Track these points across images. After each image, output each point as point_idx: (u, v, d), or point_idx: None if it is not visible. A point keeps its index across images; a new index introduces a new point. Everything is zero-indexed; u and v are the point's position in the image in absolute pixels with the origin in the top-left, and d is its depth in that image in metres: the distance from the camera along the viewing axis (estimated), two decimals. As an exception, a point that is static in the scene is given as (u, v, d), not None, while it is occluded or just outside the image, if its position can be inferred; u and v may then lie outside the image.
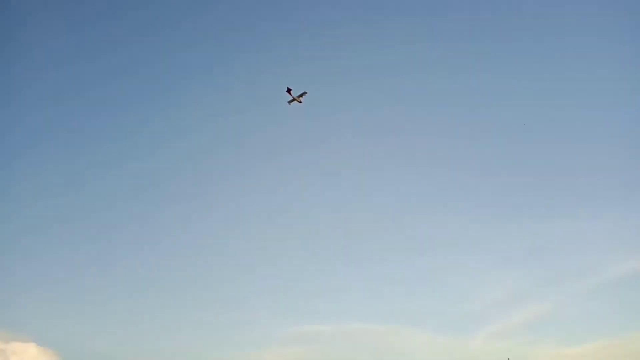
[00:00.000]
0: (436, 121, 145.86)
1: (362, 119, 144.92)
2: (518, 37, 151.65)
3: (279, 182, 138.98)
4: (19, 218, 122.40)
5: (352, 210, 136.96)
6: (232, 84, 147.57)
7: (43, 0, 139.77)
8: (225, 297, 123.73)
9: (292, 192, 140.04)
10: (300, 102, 65.46)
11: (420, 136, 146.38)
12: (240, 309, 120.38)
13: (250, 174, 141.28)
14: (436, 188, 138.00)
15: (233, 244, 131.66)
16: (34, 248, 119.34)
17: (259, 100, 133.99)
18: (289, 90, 64.20)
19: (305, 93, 65.83)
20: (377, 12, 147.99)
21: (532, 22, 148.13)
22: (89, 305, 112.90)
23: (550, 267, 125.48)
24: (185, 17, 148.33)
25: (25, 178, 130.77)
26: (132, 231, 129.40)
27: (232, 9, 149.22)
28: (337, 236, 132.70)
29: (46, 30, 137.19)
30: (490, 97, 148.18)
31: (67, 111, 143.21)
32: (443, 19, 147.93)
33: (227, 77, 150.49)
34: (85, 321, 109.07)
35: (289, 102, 65.76)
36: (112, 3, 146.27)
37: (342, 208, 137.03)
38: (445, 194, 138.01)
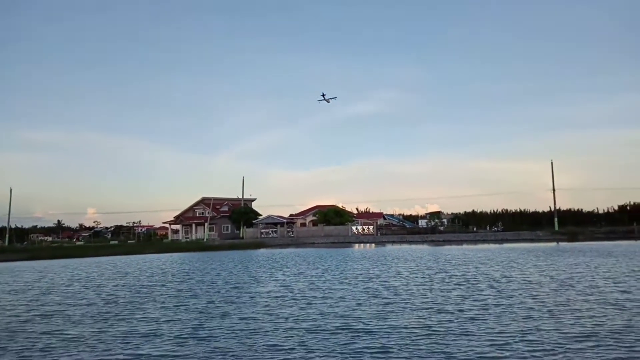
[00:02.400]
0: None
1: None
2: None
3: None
4: None
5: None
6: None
7: None
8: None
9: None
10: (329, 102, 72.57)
11: None
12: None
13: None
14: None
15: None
16: None
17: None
18: (323, 95, 71.67)
19: (335, 97, 73.19)
20: None
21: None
22: None
23: (291, 100, 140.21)
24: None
25: None
26: None
27: None
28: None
29: None
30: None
31: None
32: None
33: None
34: None
35: (320, 100, 72.47)
36: None
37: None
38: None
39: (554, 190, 76.20)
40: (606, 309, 11.05)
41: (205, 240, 72.00)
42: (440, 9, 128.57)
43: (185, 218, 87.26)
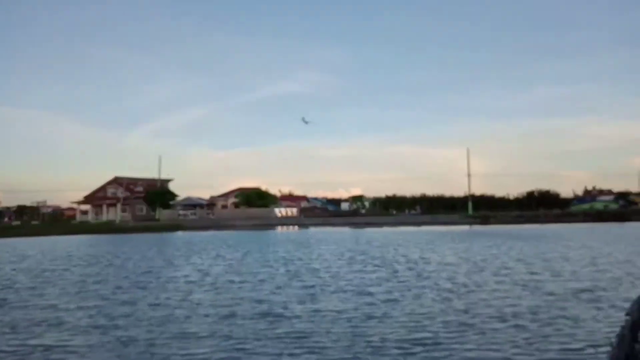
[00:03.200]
0: None
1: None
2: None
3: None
4: None
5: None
6: None
7: None
8: None
9: None
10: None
11: None
12: None
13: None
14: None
15: None
16: None
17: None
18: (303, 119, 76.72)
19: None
20: None
21: None
22: None
23: (213, 78, 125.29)
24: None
25: None
26: None
27: None
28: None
29: None
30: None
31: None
32: None
33: None
34: None
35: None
36: None
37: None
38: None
39: (469, 176, 79.99)
40: (518, 289, 11.31)
41: (117, 222, 67.97)
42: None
43: (95, 198, 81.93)
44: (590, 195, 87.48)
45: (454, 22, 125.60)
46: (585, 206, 71.35)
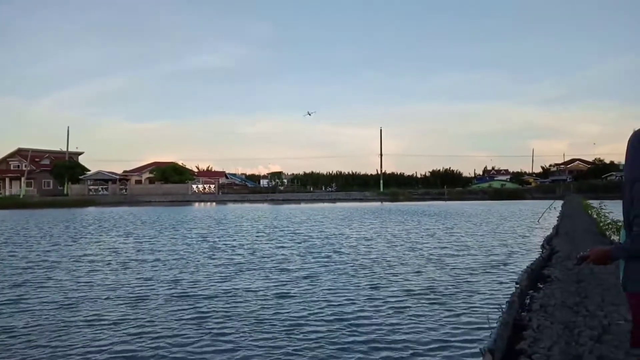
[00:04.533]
0: None
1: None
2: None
3: None
4: None
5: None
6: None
7: None
8: None
9: None
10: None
11: None
12: None
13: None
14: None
15: None
16: None
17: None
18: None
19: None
20: None
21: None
22: None
23: (131, 46, 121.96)
24: None
25: None
26: None
27: None
28: None
29: None
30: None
31: None
32: None
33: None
34: None
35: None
36: None
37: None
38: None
39: (381, 155, 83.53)
40: (429, 264, 11.77)
41: (21, 196, 64.01)
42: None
43: (-4, 171, 76.20)
44: (489, 174, 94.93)
45: (376, 3, 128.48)
46: (484, 185, 77.36)
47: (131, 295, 8.90)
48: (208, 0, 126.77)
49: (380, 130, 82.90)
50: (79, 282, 10.15)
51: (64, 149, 78.36)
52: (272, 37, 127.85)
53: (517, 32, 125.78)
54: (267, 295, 8.71)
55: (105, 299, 8.64)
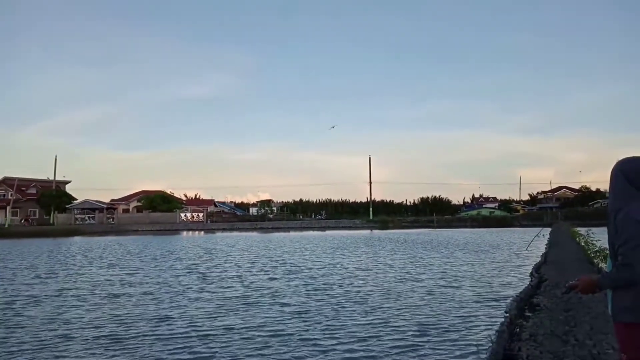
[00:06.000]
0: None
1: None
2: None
3: None
4: None
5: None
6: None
7: None
8: None
9: None
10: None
11: None
12: None
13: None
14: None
15: None
16: None
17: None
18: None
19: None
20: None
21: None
22: None
23: (116, 76, 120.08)
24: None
25: None
26: None
27: None
28: None
29: None
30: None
31: None
32: None
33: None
34: None
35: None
36: None
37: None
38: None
39: (370, 182, 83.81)
40: (423, 294, 11.79)
41: (6, 226, 62.97)
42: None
43: (-19, 200, 75.07)
44: (477, 202, 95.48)
45: (361, 33, 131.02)
46: (473, 212, 77.73)
47: (112, 334, 8.25)
48: (193, 29, 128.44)
49: (370, 158, 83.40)
50: (54, 320, 9.45)
51: (51, 178, 77.66)
52: (259, 67, 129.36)
53: (502, 62, 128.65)
54: (263, 334, 8.13)
55: (76, 338, 8.00)
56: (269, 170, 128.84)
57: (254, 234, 53.21)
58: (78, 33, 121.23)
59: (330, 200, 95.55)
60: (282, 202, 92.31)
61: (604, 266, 10.98)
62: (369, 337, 7.84)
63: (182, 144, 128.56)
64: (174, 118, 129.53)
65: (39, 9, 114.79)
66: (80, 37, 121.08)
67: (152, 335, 8.17)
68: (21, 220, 70.09)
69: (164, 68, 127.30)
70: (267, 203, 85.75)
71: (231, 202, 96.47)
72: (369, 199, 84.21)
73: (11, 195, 71.66)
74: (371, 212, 78.34)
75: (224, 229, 64.13)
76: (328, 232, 53.01)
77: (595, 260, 13.93)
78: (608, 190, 2.76)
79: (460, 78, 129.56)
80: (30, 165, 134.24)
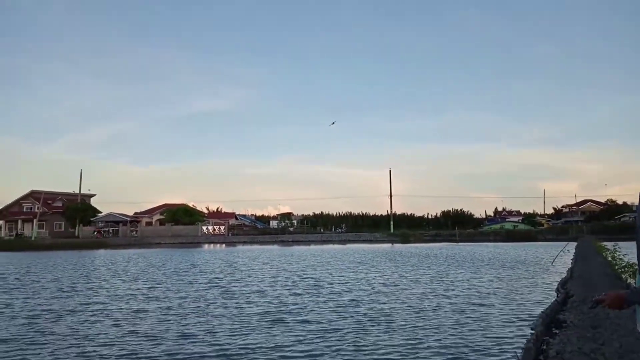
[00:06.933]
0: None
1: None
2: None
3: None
4: None
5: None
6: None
7: None
8: None
9: None
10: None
11: None
12: None
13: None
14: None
15: None
16: None
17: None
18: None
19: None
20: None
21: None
22: None
23: (137, 91, 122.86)
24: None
25: None
26: None
27: None
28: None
29: None
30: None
31: None
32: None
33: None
34: None
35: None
36: None
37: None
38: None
39: (390, 195, 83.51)
40: (447, 309, 11.66)
41: (33, 238, 64.38)
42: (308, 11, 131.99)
43: (10, 213, 76.78)
44: (500, 215, 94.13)
45: (378, 45, 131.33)
46: (496, 226, 76.62)
47: (134, 352, 8.09)
48: (212, 44, 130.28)
49: (390, 171, 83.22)
50: (76, 336, 9.34)
51: (77, 191, 79.29)
52: (276, 80, 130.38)
53: (524, 75, 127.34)
54: (290, 355, 7.92)
55: (102, 357, 7.88)
56: (289, 183, 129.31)
57: (275, 247, 53.35)
58: (102, 50, 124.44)
59: (351, 213, 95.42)
60: (302, 215, 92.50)
61: (633, 282, 10.73)
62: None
63: (203, 158, 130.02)
64: (193, 132, 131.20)
65: (62, 28, 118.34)
66: (100, 52, 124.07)
67: (177, 354, 8.02)
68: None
69: (182, 82, 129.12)
70: (287, 216, 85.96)
71: (252, 215, 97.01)
72: (389, 212, 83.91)
73: (38, 208, 73.32)
74: (392, 226, 77.87)
75: (245, 242, 64.47)
76: (349, 246, 52.80)
77: (624, 276, 13.61)
78: (636, 204, 2.74)
79: (479, 90, 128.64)
80: (56, 179, 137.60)
